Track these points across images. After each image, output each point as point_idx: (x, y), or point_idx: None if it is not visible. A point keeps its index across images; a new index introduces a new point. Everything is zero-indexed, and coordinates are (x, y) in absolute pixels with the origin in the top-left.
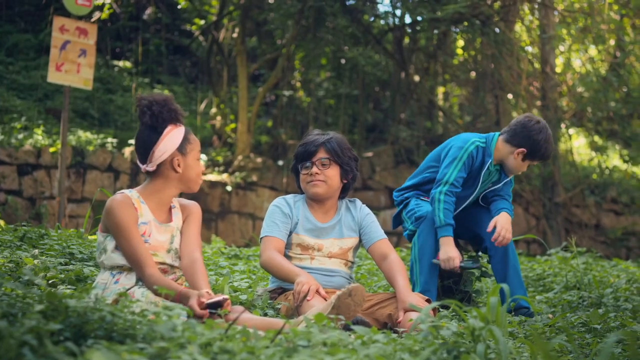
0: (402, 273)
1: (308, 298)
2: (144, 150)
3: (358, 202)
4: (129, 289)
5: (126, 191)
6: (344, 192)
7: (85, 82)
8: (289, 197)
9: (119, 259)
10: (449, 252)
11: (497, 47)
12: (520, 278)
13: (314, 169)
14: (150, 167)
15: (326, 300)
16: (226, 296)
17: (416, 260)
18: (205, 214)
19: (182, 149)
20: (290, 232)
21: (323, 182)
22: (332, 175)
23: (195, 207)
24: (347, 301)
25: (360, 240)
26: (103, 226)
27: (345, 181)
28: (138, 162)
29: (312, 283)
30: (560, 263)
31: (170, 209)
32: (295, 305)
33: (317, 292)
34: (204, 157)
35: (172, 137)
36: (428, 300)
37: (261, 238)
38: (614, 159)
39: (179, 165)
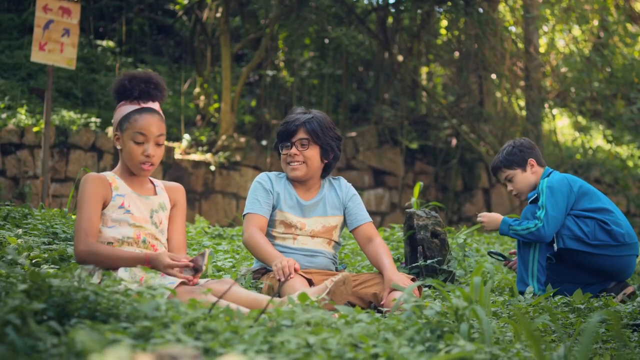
0: (388, 254)
1: (291, 276)
2: None
3: (343, 180)
4: None
5: (103, 173)
6: (325, 171)
7: (69, 61)
8: (273, 173)
9: (109, 233)
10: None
11: (481, 27)
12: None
13: (293, 150)
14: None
15: (307, 279)
16: (206, 251)
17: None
18: (189, 194)
19: (120, 125)
20: (274, 208)
21: (302, 163)
22: (312, 155)
23: (181, 192)
24: (341, 288)
25: (345, 220)
26: None
27: (326, 161)
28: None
29: (291, 262)
30: None
31: (152, 185)
32: (279, 284)
33: (296, 270)
34: (187, 136)
35: (119, 112)
36: (414, 280)
37: (244, 215)
38: (598, 139)
39: (117, 140)
